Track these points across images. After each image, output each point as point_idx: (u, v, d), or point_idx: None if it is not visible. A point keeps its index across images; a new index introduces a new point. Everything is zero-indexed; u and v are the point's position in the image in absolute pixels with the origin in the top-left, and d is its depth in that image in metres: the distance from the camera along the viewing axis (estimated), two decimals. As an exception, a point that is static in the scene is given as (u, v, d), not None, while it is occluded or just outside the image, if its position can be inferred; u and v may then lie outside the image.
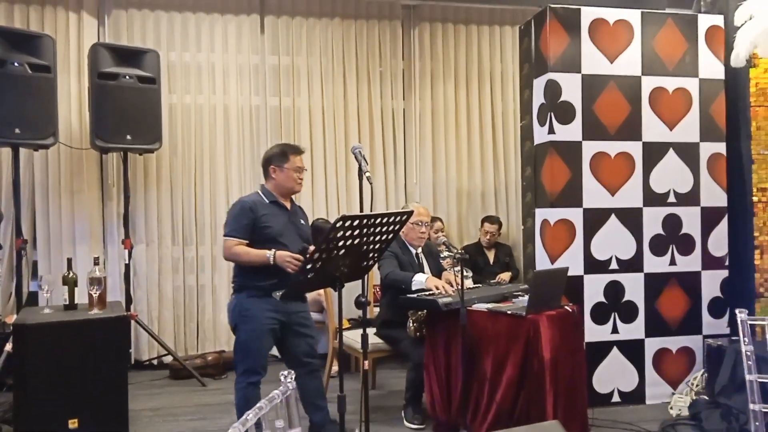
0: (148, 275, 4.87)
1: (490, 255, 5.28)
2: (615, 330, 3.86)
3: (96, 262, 3.60)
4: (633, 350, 3.88)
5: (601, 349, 3.83)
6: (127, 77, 4.37)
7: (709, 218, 3.98)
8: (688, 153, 3.97)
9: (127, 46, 4.62)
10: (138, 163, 4.85)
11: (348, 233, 2.25)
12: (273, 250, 2.90)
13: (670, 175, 3.95)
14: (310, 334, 3.14)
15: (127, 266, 4.58)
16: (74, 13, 4.76)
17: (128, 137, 4.36)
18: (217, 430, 3.48)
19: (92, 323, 3.27)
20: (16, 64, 4.01)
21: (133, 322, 4.59)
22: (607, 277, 3.85)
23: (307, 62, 5.25)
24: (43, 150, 4.39)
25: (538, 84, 3.92)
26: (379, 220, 2.35)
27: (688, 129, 3.97)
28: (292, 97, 5.24)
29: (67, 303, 3.51)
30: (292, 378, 1.40)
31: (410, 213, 2.57)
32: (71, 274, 3.57)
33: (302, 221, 3.21)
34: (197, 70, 5.05)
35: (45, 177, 4.67)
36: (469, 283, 3.74)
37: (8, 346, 3.48)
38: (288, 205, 3.16)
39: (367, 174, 2.56)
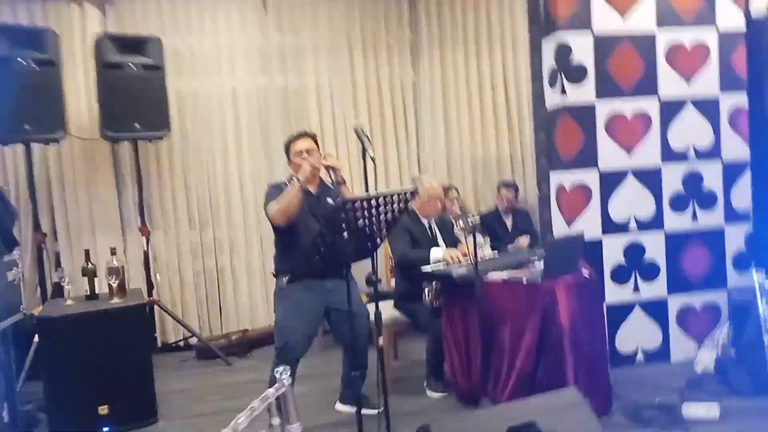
0: (168, 260, 4.93)
1: (508, 221, 5.21)
2: (636, 289, 3.80)
3: (113, 252, 3.65)
4: (656, 309, 3.82)
5: (623, 310, 3.78)
6: (133, 66, 4.36)
7: (732, 172, 3.86)
8: (707, 107, 3.82)
9: (131, 35, 4.59)
10: (150, 151, 4.86)
11: (351, 216, 2.23)
12: (294, 180, 2.98)
13: (689, 130, 3.82)
14: (353, 316, 3.08)
15: (146, 253, 4.64)
16: (77, 5, 4.73)
17: (137, 126, 4.37)
18: (244, 408, 3.54)
19: (113, 312, 3.35)
20: (21, 60, 4.02)
21: (157, 306, 4.68)
22: (627, 238, 3.78)
23: (313, 39, 5.17)
24: (54, 144, 4.43)
25: (548, 45, 3.80)
26: (382, 200, 2.31)
27: (708, 82, 3.82)
28: (299, 76, 5.18)
29: (89, 293, 3.58)
30: (287, 374, 1.39)
31: (414, 191, 2.53)
32: (90, 265, 3.63)
33: (329, 201, 3.16)
34: (202, 55, 5.01)
35: (59, 170, 4.72)
36: (486, 249, 3.72)
37: (36, 338, 3.58)
38: (313, 189, 3.16)
39: (371, 153, 2.52)
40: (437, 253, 3.43)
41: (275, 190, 3.10)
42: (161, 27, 4.86)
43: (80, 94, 4.71)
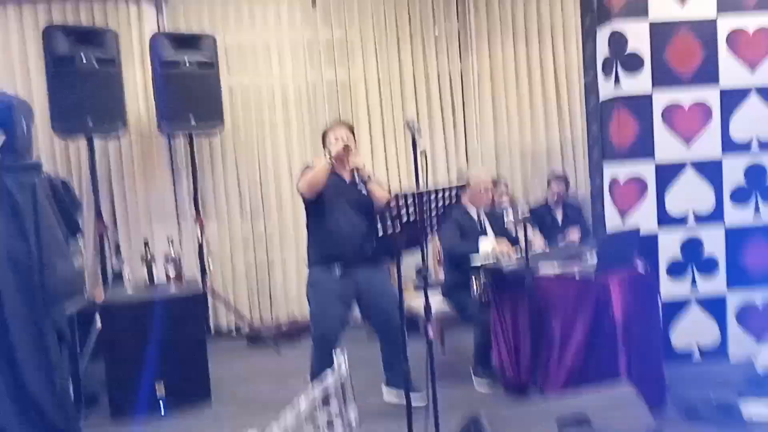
0: (221, 251, 5.08)
1: (559, 214, 5.12)
2: (694, 284, 3.68)
3: (170, 241, 3.79)
4: (714, 305, 3.68)
5: (678, 305, 3.66)
6: (188, 63, 4.50)
7: (798, 164, 3.68)
8: (773, 95, 3.66)
9: (186, 33, 4.75)
10: (204, 145, 5.01)
11: (403, 211, 2.25)
12: (325, 154, 3.09)
13: (753, 121, 3.65)
14: (382, 300, 3.17)
15: (200, 242, 4.79)
16: (134, 4, 4.92)
17: (192, 121, 4.51)
18: (293, 393, 3.61)
19: (171, 300, 3.49)
20: (84, 59, 4.20)
21: (210, 294, 4.83)
22: (685, 233, 3.66)
23: (360, 33, 5.21)
24: (114, 138, 4.61)
25: (602, 34, 3.71)
26: (433, 195, 2.33)
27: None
28: (347, 70, 5.23)
29: (148, 281, 3.73)
30: (344, 359, 1.42)
31: (464, 186, 2.54)
32: (148, 254, 3.78)
33: (363, 188, 3.21)
34: (253, 51, 5.12)
35: (119, 163, 4.92)
36: (537, 239, 3.68)
37: (98, 323, 3.76)
38: (346, 176, 3.21)
39: (422, 149, 2.51)
40: (486, 245, 3.41)
41: (308, 170, 3.20)
42: (213, 24, 5.00)
43: (138, 90, 4.90)
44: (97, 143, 4.63)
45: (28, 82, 4.78)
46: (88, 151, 4.49)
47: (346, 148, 3.11)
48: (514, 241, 3.60)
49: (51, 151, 4.82)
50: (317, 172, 3.07)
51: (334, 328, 3.12)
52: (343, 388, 1.45)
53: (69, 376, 3.13)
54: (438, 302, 3.71)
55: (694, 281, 3.68)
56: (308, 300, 3.24)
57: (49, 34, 4.21)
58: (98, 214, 4.57)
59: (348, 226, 3.11)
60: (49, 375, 2.86)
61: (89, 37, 4.34)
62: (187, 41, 4.57)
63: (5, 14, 4.81)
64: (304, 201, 3.21)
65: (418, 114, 5.27)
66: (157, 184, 4.97)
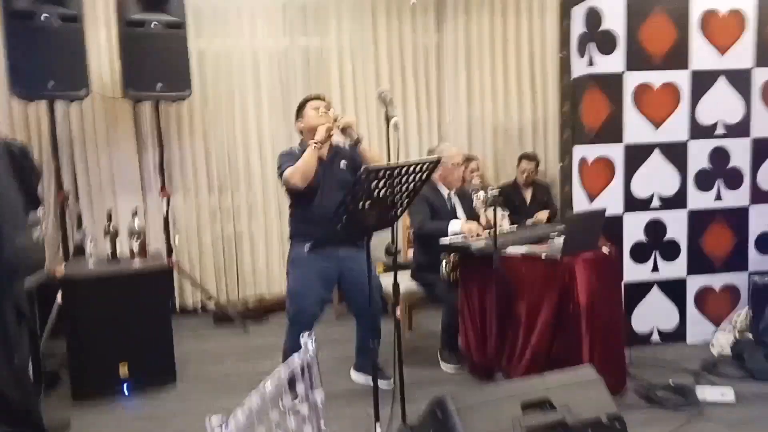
0: (187, 223, 4.96)
1: (527, 194, 5.15)
2: (656, 269, 3.76)
3: (134, 214, 3.69)
4: (674, 289, 3.79)
5: (640, 289, 3.76)
6: (155, 23, 4.31)
7: (761, 150, 3.76)
8: (740, 80, 3.71)
9: (153, -9, 4.52)
10: (170, 113, 4.85)
11: (373, 185, 2.20)
12: (311, 142, 2.96)
13: (719, 105, 3.71)
14: (362, 281, 3.08)
15: (166, 215, 4.68)
16: (99, -41, 4.66)
17: (159, 85, 4.34)
18: (260, 372, 3.59)
19: (134, 274, 3.40)
20: (45, 15, 3.98)
21: (176, 269, 4.74)
22: (648, 215, 3.73)
23: (336, 0, 5.06)
24: (77, 102, 4.43)
25: (577, 12, 3.69)
26: (405, 170, 2.28)
27: (742, 54, 3.69)
28: (321, 37, 5.10)
29: (111, 255, 3.63)
30: (312, 341, 1.40)
31: (438, 161, 2.49)
32: (112, 226, 3.67)
33: (342, 166, 3.13)
34: (224, 13, 4.93)
35: (81, 129, 4.72)
36: (505, 222, 3.69)
37: (59, 298, 3.65)
38: (324, 153, 3.10)
39: (394, 120, 2.47)
40: (456, 225, 3.42)
41: (288, 157, 3.08)
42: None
43: (102, 52, 4.68)
44: (59, 108, 4.44)
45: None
46: (48, 115, 4.30)
47: (330, 130, 3.00)
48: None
49: (8, 114, 4.60)
50: (309, 162, 2.94)
51: (311, 308, 3.06)
52: (310, 371, 1.44)
53: (29, 354, 3.03)
54: (407, 281, 3.72)
55: (656, 265, 3.76)
56: (287, 275, 3.16)
57: (6, -12, 3.97)
58: (59, 183, 4.40)
59: (331, 204, 3.00)
60: (7, 352, 2.77)
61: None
62: (154, 0, 4.37)
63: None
64: (289, 190, 3.09)
65: (392, 85, 5.18)
66: (122, 153, 4.79)
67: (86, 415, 3.11)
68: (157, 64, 4.30)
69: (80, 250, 4.12)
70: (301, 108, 3.18)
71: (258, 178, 5.06)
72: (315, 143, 2.95)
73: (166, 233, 4.69)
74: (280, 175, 3.04)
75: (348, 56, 5.13)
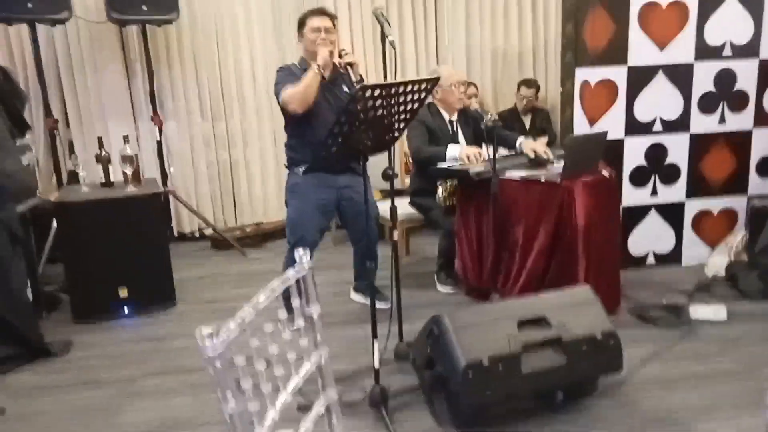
0: (181, 151, 4.89)
1: (527, 120, 5.07)
2: (654, 192, 3.74)
3: (126, 140, 3.62)
4: (672, 213, 3.79)
5: (638, 212, 3.75)
6: (139, -62, 4.08)
7: (768, 72, 3.67)
8: (751, -1, 3.56)
9: None
10: (159, 37, 4.68)
11: (369, 104, 2.13)
12: (314, 64, 2.82)
13: (728, 25, 3.57)
14: (360, 209, 3.01)
15: (159, 143, 4.60)
16: None
17: (144, 7, 4.17)
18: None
19: (129, 200, 3.37)
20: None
21: (172, 196, 4.71)
22: (650, 140, 3.67)
23: None
24: (61, 26, 4.25)
25: (583, -76, 3.48)
26: (403, 89, 2.20)
27: (754, -30, 3.53)
28: (313, -46, 4.85)
29: (104, 181, 3.59)
30: (308, 257, 1.38)
31: (436, 80, 2.40)
32: (103, 152, 3.61)
33: (344, 90, 2.99)
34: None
35: (67, 54, 4.56)
36: (503, 150, 3.63)
37: (55, 223, 3.64)
38: (327, 74, 2.92)
39: (390, 38, 2.37)
40: (455, 150, 3.36)
41: (287, 74, 2.92)
42: None
43: (83, -29, 4.46)
44: (41, 31, 4.27)
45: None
46: (31, 39, 4.14)
47: (332, 55, 2.85)
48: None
49: (-12, 37, 4.44)
50: (308, 86, 2.78)
51: (311, 235, 3.03)
52: (306, 285, 1.42)
53: (26, 276, 3.05)
54: (404, 207, 3.70)
55: (655, 189, 3.73)
56: (286, 204, 3.11)
57: None
58: (47, 109, 4.29)
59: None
60: (3, 276, 2.78)
61: None
62: None
63: None
64: (286, 112, 2.95)
65: (387, 10, 4.98)
66: (110, 79, 4.65)
67: (88, 335, 3.16)
68: (141, -17, 4.11)
69: (74, 177, 4.07)
70: (301, 24, 2.99)
71: (251, 103, 4.94)
72: (317, 66, 2.80)
73: (160, 160, 4.64)
74: (277, 93, 2.90)
75: (343, -27, 4.90)
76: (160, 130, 4.61)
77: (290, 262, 3.04)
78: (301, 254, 1.39)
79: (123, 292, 3.35)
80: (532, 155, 3.31)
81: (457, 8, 5.16)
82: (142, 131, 4.77)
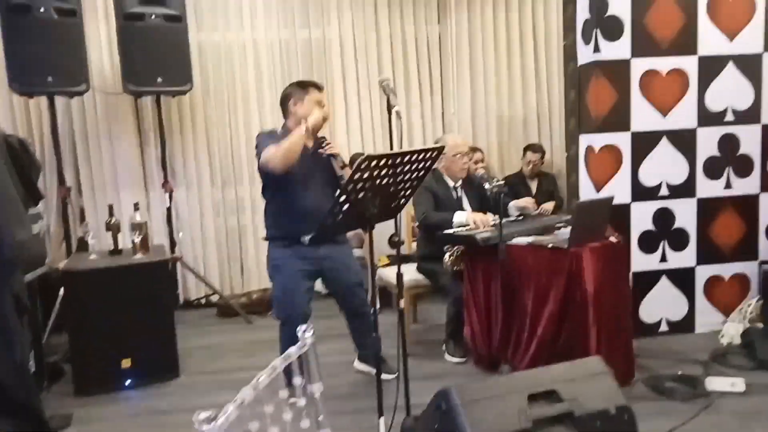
0: (190, 218, 4.94)
1: (533, 185, 5.11)
2: (664, 258, 3.70)
3: (136, 207, 3.66)
4: (683, 278, 3.73)
5: (649, 279, 3.70)
6: (154, 16, 4.27)
7: (771, 136, 3.69)
8: (749, 65, 3.63)
9: (151, -16, 4.48)
10: (172, 106, 4.82)
11: (375, 173, 2.15)
12: (303, 123, 2.80)
13: (729, 91, 3.63)
14: (348, 276, 3.06)
15: (169, 209, 4.66)
16: (97, -49, 4.63)
17: (159, 80, 4.32)
18: (264, 367, 3.57)
19: (136, 268, 3.37)
20: (42, 9, 3.96)
21: (179, 263, 4.72)
22: (657, 204, 3.66)
23: (336, -10, 5.02)
24: (77, 97, 4.40)
25: (582, -3, 3.62)
26: (408, 158, 2.23)
27: (751, 38, 3.61)
28: (322, 28, 5.06)
29: (113, 248, 3.61)
30: (310, 334, 1.36)
31: (441, 149, 2.43)
32: (113, 220, 3.65)
33: (324, 156, 2.97)
34: (224, 6, 4.90)
35: (83, 124, 4.71)
36: (509, 215, 3.65)
37: (62, 291, 3.64)
38: (310, 144, 2.96)
39: (396, 109, 2.42)
40: (461, 216, 3.37)
41: (269, 137, 2.89)
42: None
43: (102, 46, 4.66)
44: (59, 102, 4.42)
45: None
46: (49, 110, 4.28)
47: (324, 122, 2.90)
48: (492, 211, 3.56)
49: (10, 109, 4.58)
50: (293, 145, 2.75)
51: (300, 308, 2.95)
52: (308, 363, 1.40)
53: (30, 347, 3.02)
54: (412, 273, 3.68)
55: (664, 255, 3.70)
56: (270, 280, 3.06)
57: (4, -20, 3.95)
58: (61, 177, 4.38)
59: (311, 199, 2.89)
60: (7, 346, 2.75)
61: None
62: (152, -8, 4.34)
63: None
64: (265, 175, 2.92)
65: (394, 77, 5.14)
66: (124, 147, 4.78)
67: (88, 408, 3.09)
68: (157, 58, 4.27)
69: (83, 245, 4.10)
70: (301, 88, 2.99)
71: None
72: (306, 127, 2.79)
73: (169, 227, 4.68)
74: (258, 154, 2.85)
75: (350, 47, 5.09)
76: (170, 197, 4.68)
77: (285, 338, 3.02)
78: (305, 333, 1.37)
79: (126, 363, 3.30)
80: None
81: (461, 76, 5.30)
82: (153, 198, 4.84)
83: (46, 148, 4.56)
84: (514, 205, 3.60)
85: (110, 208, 3.72)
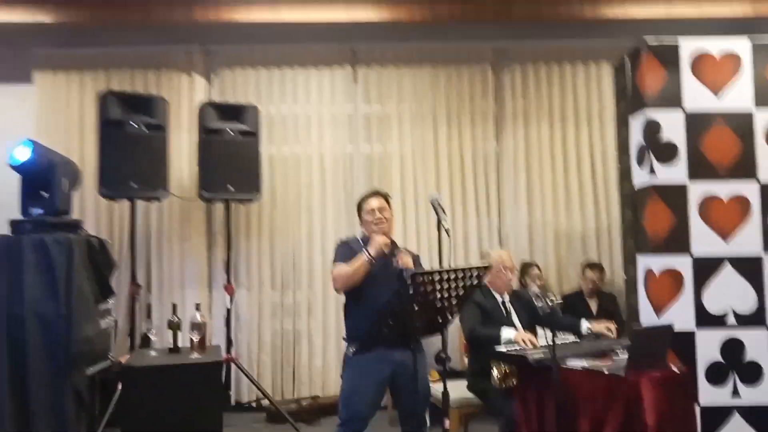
0: (249, 319, 5.08)
1: (593, 304, 4.96)
2: (736, 393, 3.45)
3: (197, 308, 3.82)
4: (759, 417, 3.44)
5: (720, 414, 3.44)
6: (231, 132, 4.69)
7: None
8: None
9: (231, 103, 4.96)
10: (241, 212, 5.13)
11: (422, 290, 2.21)
12: (365, 255, 2.91)
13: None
14: (415, 388, 2.96)
15: (229, 311, 4.81)
16: (186, 74, 5.20)
17: (230, 188, 4.65)
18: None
19: (190, 367, 3.44)
20: (134, 124, 4.44)
21: (234, 364, 4.79)
22: (724, 333, 3.48)
23: (398, 109, 5.34)
24: (156, 202, 4.78)
25: (636, 122, 3.71)
26: (453, 275, 2.28)
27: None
28: (383, 144, 5.35)
29: (172, 346, 3.74)
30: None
31: (487, 268, 2.47)
32: (176, 319, 3.80)
33: (395, 264, 3.03)
34: (294, 122, 5.31)
35: (158, 227, 5.07)
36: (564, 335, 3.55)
37: (119, 386, 3.75)
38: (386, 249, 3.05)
39: (446, 226, 2.51)
40: (509, 333, 3.31)
41: (345, 248, 3.08)
42: (258, 95, 5.23)
43: (182, 156, 5.10)
44: (140, 205, 4.80)
45: (83, 145, 5.05)
46: (129, 213, 4.65)
47: (387, 245, 2.99)
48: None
49: (95, 210, 5.01)
50: (356, 270, 2.92)
51: (364, 412, 2.96)
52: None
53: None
54: (462, 390, 3.58)
55: (736, 389, 3.45)
56: (342, 378, 3.10)
57: (104, 99, 4.47)
58: (133, 275, 4.66)
59: (383, 301, 2.86)
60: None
61: (141, 103, 4.59)
62: (232, 111, 4.78)
63: (68, 79, 5.16)
64: None
65: (452, 192, 5.28)
66: (193, 249, 5.06)
67: None
68: (231, 168, 4.64)
69: (146, 341, 4.26)
70: (359, 207, 3.22)
71: (319, 277, 5.15)
72: (368, 255, 2.93)
73: (227, 328, 4.80)
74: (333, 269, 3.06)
75: (409, 162, 5.31)
76: (231, 298, 4.84)
77: None
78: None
79: (173, 462, 3.30)
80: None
81: (518, 191, 5.37)
82: (216, 298, 5.04)
83: (124, 248, 4.91)
84: (588, 327, 3.46)
85: (174, 306, 3.88)
